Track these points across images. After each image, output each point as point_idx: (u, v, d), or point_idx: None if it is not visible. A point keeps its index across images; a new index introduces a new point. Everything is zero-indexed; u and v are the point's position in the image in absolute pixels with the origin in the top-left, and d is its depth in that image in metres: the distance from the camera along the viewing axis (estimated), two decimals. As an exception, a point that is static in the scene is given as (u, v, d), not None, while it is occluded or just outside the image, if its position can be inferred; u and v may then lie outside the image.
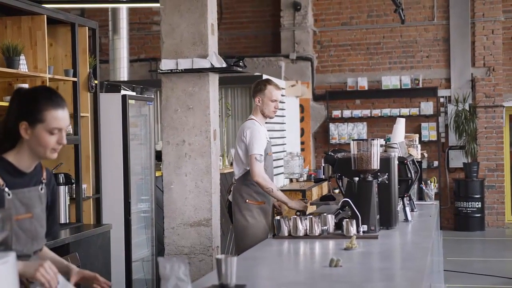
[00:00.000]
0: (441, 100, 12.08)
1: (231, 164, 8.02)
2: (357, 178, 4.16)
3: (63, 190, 5.35)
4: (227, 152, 8.74)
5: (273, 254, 3.74)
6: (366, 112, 12.14)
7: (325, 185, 9.49)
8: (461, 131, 11.59)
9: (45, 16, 5.29)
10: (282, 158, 9.83)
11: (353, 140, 4.27)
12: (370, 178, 4.18)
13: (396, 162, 4.50)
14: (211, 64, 5.17)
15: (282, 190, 5.66)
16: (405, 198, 4.85)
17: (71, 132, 5.52)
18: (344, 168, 4.37)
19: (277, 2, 12.54)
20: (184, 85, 5.28)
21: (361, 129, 12.19)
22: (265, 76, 7.85)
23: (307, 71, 12.28)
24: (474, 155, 11.71)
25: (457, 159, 11.93)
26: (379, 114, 12.10)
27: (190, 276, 2.42)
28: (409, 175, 4.83)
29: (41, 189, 2.73)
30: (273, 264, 3.48)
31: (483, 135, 11.87)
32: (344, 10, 12.47)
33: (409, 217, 4.75)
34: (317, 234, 4.00)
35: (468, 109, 11.69)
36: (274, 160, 5.51)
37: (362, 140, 4.25)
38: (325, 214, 4.11)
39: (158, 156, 6.15)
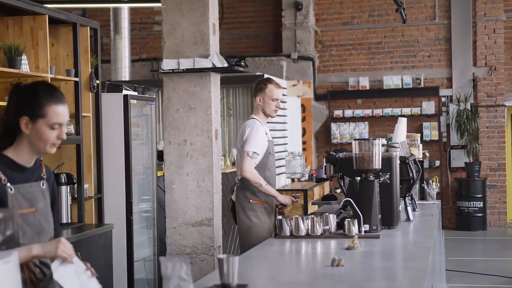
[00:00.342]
0: (443, 99, 12.06)
1: (233, 164, 8.03)
2: (358, 178, 4.16)
3: (65, 190, 5.35)
4: (229, 152, 8.74)
5: (275, 253, 3.73)
6: (368, 112, 12.13)
7: (326, 184, 9.50)
8: (463, 130, 11.57)
9: (47, 16, 5.29)
10: (283, 158, 9.83)
11: (355, 139, 4.26)
12: (371, 177, 4.17)
13: (398, 161, 4.49)
14: (213, 64, 5.17)
15: (284, 190, 5.65)
16: (406, 198, 4.85)
17: (73, 132, 5.52)
18: (345, 167, 4.36)
19: (279, 1, 12.53)
20: (185, 85, 5.28)
21: (362, 129, 12.17)
22: (266, 76, 7.84)
23: (308, 71, 12.27)
24: (475, 154, 11.70)
25: (458, 159, 11.92)
26: (381, 114, 12.09)
27: (192, 276, 2.42)
28: (410, 174, 4.83)
29: (43, 185, 2.75)
30: (275, 263, 3.48)
31: (484, 134, 11.86)
32: (346, 9, 12.46)
33: (411, 217, 4.75)
34: (319, 234, 3.99)
35: (469, 109, 11.68)
36: (275, 159, 5.50)
37: (364, 139, 4.24)
38: (327, 213, 4.11)
39: (160, 156, 6.15)
